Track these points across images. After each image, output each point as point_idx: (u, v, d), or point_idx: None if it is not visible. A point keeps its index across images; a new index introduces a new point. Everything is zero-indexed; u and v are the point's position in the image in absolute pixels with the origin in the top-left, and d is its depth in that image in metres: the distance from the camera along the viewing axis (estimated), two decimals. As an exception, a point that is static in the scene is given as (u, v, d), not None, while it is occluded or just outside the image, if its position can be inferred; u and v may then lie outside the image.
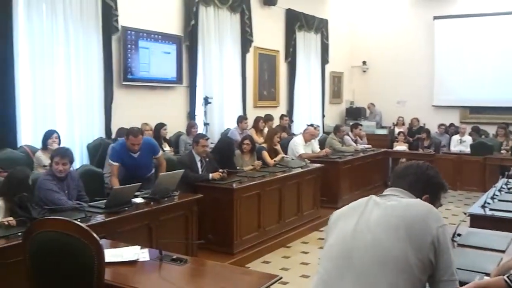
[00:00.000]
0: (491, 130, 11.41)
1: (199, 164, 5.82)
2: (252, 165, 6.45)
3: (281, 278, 2.85)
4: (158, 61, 7.89)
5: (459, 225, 3.40)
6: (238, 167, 6.50)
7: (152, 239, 4.32)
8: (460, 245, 3.17)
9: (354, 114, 13.23)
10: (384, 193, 2.11)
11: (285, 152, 7.92)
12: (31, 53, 6.23)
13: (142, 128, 7.03)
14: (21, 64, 6.10)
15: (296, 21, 11.22)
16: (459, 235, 3.30)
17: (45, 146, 5.67)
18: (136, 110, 7.49)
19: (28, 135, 6.21)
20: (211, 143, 8.30)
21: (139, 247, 3.17)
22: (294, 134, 9.53)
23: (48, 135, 5.74)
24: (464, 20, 12.34)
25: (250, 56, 9.99)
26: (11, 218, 3.63)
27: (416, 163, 2.20)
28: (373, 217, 1.93)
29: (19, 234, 3.36)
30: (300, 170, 6.93)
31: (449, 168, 10.06)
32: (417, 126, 11.83)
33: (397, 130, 11.76)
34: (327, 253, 2.00)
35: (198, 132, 8.14)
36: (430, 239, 1.82)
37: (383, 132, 12.11)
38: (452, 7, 12.47)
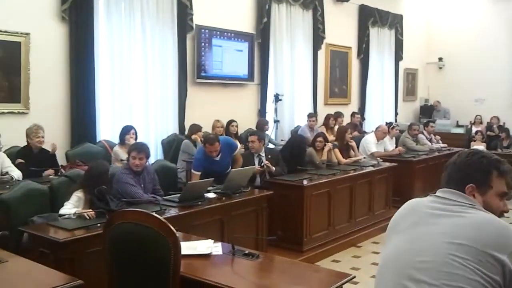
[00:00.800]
0: None
1: (256, 161, 5.76)
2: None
3: (354, 277, 2.81)
4: (230, 58, 8.00)
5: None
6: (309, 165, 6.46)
7: (224, 233, 4.38)
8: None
9: (429, 112, 12.82)
10: (438, 195, 1.90)
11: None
12: (110, 52, 6.51)
13: (214, 125, 7.21)
14: (101, 63, 6.39)
15: (369, 17, 11.02)
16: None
17: (122, 141, 5.90)
18: (209, 107, 7.65)
19: (106, 130, 6.50)
20: (281, 140, 8.38)
21: (212, 240, 3.23)
22: (365, 132, 9.37)
23: (126, 130, 5.96)
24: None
25: (321, 53, 9.92)
26: (90, 210, 3.79)
27: (460, 152, 1.96)
28: (434, 235, 1.76)
29: (98, 225, 3.53)
30: (372, 168, 6.79)
31: (531, 170, 9.51)
32: (496, 125, 11.27)
33: (474, 129, 11.28)
34: (381, 276, 1.89)
35: (269, 128, 8.22)
36: (500, 264, 1.66)
37: (460, 131, 11.65)
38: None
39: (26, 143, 5.33)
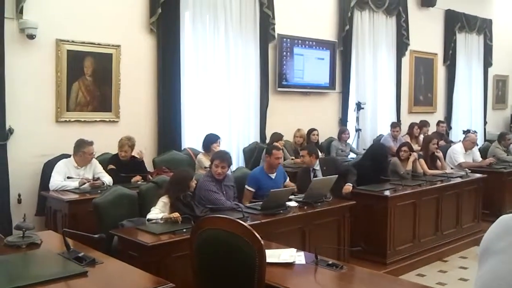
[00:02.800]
0: None
1: (311, 175, 5.51)
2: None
3: (443, 293, 2.69)
4: (311, 67, 7.99)
5: None
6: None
7: (305, 242, 4.36)
8: None
9: (521, 121, 12.11)
10: None
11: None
12: (195, 62, 6.71)
13: (294, 135, 7.23)
14: (186, 73, 6.60)
15: (456, 22, 10.61)
16: None
17: (207, 149, 6.02)
18: (290, 116, 7.67)
19: (191, 138, 6.68)
20: (363, 149, 8.21)
21: (295, 249, 3.21)
22: (452, 142, 8.99)
23: (213, 139, 6.06)
24: None
25: (405, 60, 9.68)
26: (177, 214, 3.90)
27: None
28: None
29: (184, 230, 3.62)
30: (459, 180, 6.50)
31: None
32: None
33: None
34: None
35: (350, 137, 8.10)
36: None
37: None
38: None
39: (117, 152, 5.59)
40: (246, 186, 5.10)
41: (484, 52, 11.48)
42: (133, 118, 6.18)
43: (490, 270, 1.81)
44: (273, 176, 5.24)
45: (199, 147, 6.34)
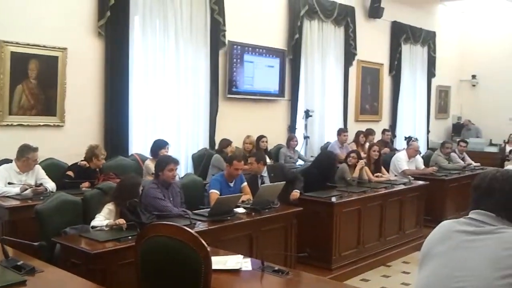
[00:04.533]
0: None
1: (259, 182, 5.55)
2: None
3: (383, 297, 2.77)
4: (261, 74, 8.06)
5: None
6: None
7: (253, 249, 4.38)
8: None
9: (461, 130, 12.60)
10: (472, 217, 1.86)
11: (387, 168, 7.71)
12: (144, 67, 6.65)
13: (243, 141, 7.27)
14: (135, 77, 6.52)
15: (402, 34, 10.97)
16: None
17: (155, 155, 5.95)
18: (239, 122, 7.71)
19: (138, 144, 6.59)
20: (311, 156, 8.34)
21: (242, 256, 3.23)
22: (396, 150, 9.26)
23: (162, 145, 6.00)
24: None
25: (353, 69, 9.91)
26: (123, 221, 3.84)
27: (500, 175, 1.88)
28: (474, 260, 1.74)
29: (129, 237, 3.57)
30: (403, 187, 6.71)
31: None
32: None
33: (508, 148, 11.03)
34: None
35: (298, 144, 8.20)
36: None
37: (493, 150, 11.40)
38: None
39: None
40: (211, 190, 5.04)
41: (428, 63, 11.91)
42: (79, 123, 6.04)
43: (430, 272, 1.89)
44: (231, 184, 5.23)
45: (147, 153, 6.27)
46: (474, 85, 13.13)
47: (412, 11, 11.31)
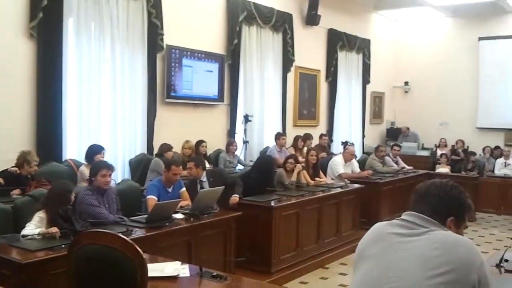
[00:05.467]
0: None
1: (198, 187, 5.54)
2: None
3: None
4: (200, 79, 8.02)
5: (506, 250, 3.31)
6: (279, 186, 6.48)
7: (192, 255, 4.34)
8: (507, 271, 3.10)
9: (395, 134, 13.04)
10: (404, 218, 1.96)
11: (325, 171, 7.87)
12: (79, 70, 6.44)
13: (182, 146, 7.21)
14: (69, 81, 6.30)
15: (338, 41, 11.22)
16: (506, 260, 3.21)
17: (90, 161, 5.77)
18: (178, 127, 7.63)
19: (72, 149, 6.39)
20: (250, 160, 8.38)
21: (180, 262, 3.19)
22: (333, 154, 9.47)
23: (97, 150, 5.82)
24: (511, 41, 12.05)
25: (291, 75, 10.04)
26: (56, 229, 3.71)
27: (439, 182, 2.02)
28: (405, 260, 1.82)
29: (62, 246, 3.45)
30: (339, 190, 6.86)
31: (493, 192, 9.84)
32: (461, 148, 11.56)
33: (439, 152, 11.52)
34: None
35: (238, 149, 8.22)
36: (471, 284, 1.74)
37: (425, 153, 11.88)
38: (499, 28, 12.21)
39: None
40: (149, 196, 4.95)
41: (363, 70, 12.24)
42: (8, 127, 5.76)
43: (363, 274, 1.94)
44: (170, 189, 5.16)
45: (81, 158, 6.08)
46: (406, 92, 13.63)
47: (348, 19, 11.62)
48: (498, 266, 3.16)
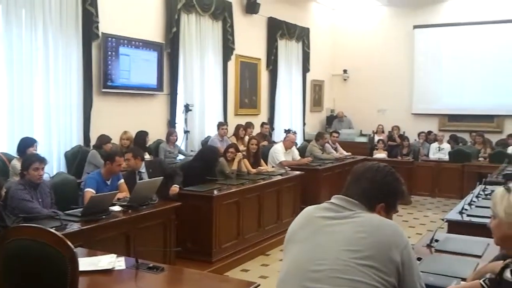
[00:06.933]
0: (469, 137, 11.60)
1: (137, 178, 5.49)
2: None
3: (259, 285, 2.85)
4: (138, 68, 7.86)
5: (437, 231, 3.45)
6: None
7: (130, 247, 4.29)
8: (437, 250, 3.21)
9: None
10: (333, 201, 2.00)
11: (266, 159, 7.95)
12: (9, 59, 6.18)
13: (120, 137, 7.08)
14: (-2, 71, 6.04)
15: (278, 30, 11.28)
16: (436, 240, 3.35)
17: (22, 154, 5.57)
18: (116, 118, 7.46)
19: (3, 142, 6.14)
20: (191, 150, 8.33)
21: (115, 255, 3.14)
22: (274, 142, 9.56)
23: (30, 143, 5.61)
24: (443, 29, 12.52)
25: (231, 64, 10.01)
26: (-16, 226, 3.57)
27: (376, 166, 2.05)
28: (332, 242, 1.86)
29: (-7, 242, 3.32)
30: (280, 177, 6.95)
31: (427, 176, 10.23)
32: (397, 134, 11.95)
33: (376, 138, 11.85)
34: (283, 286, 1.95)
35: (178, 139, 8.14)
36: (395, 265, 1.80)
37: (363, 140, 12.19)
38: (432, 16, 12.64)
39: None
40: (86, 189, 4.82)
41: (302, 59, 12.38)
42: None
43: (292, 257, 1.97)
44: (109, 182, 5.05)
45: (13, 151, 5.84)
46: (345, 79, 13.91)
47: (287, 7, 11.70)
48: (429, 246, 3.28)
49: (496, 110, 11.97)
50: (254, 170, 7.06)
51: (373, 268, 1.77)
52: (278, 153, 8.06)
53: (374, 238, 1.82)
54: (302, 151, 9.03)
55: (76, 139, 6.94)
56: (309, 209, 2.08)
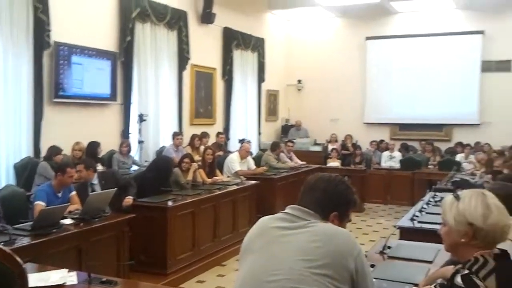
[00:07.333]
0: (419, 146, 11.96)
1: (89, 190, 5.37)
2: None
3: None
4: (91, 77, 7.73)
5: (389, 238, 3.53)
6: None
7: (82, 261, 4.19)
8: (390, 257, 3.28)
9: (289, 131, 13.43)
10: (287, 211, 2.02)
11: (221, 169, 7.94)
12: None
13: (72, 148, 6.94)
14: None
15: (233, 40, 11.33)
16: (389, 247, 3.43)
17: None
18: (68, 128, 7.31)
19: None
20: (145, 161, 8.23)
21: (66, 270, 3.07)
22: (230, 152, 9.57)
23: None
24: (394, 40, 12.90)
25: (187, 74, 9.98)
26: None
27: (328, 176, 2.10)
28: (287, 252, 1.88)
29: None
30: (235, 187, 6.96)
31: (379, 183, 10.47)
32: (350, 143, 12.17)
33: (330, 147, 12.03)
34: None
35: (132, 149, 8.05)
36: (349, 273, 1.84)
37: (317, 149, 12.35)
38: (383, 28, 12.99)
39: None
40: (36, 202, 4.68)
41: (258, 69, 12.47)
42: None
43: (248, 268, 1.98)
44: (60, 194, 4.92)
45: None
46: (299, 89, 14.08)
47: (243, 18, 11.78)
48: (381, 253, 3.35)
49: (445, 119, 12.39)
50: (209, 180, 7.04)
51: (327, 277, 1.80)
52: (234, 162, 8.07)
53: (328, 247, 1.86)
54: (258, 160, 9.07)
55: (26, 150, 6.74)
56: (264, 219, 2.10)
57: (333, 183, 2.06)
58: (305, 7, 12.59)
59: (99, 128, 7.86)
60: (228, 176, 7.78)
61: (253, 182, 7.49)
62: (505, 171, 5.23)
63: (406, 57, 12.75)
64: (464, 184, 6.51)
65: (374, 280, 2.03)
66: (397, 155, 11.13)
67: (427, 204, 5.15)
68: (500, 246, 1.91)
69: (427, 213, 4.74)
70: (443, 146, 11.88)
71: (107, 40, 8.14)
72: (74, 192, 5.10)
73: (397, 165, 10.82)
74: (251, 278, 1.93)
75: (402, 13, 12.82)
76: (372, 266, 2.87)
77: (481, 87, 11.95)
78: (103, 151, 7.61)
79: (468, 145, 11.01)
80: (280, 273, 1.85)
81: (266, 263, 1.91)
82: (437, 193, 5.78)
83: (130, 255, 4.85)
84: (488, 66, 11.96)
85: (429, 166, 10.54)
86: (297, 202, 2.06)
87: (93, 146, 7.29)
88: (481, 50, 11.93)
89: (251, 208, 7.23)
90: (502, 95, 11.74)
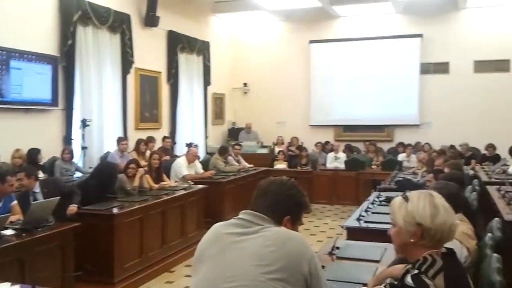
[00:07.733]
0: (363, 147, 12.27)
1: (31, 199, 5.16)
2: None
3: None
4: (31, 82, 7.48)
5: (337, 238, 3.58)
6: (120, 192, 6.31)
7: (25, 273, 4.05)
8: (338, 257, 3.33)
9: (236, 134, 13.45)
10: (241, 217, 2.04)
11: (168, 174, 7.86)
12: None
13: (12, 156, 6.69)
14: None
15: (178, 43, 11.25)
16: (337, 248, 3.47)
17: None
18: (7, 135, 7.05)
19: None
20: (89, 167, 8.03)
21: (9, 283, 2.96)
22: (177, 156, 9.48)
23: None
24: (336, 44, 13.15)
25: (131, 77, 9.82)
26: None
27: (280, 180, 2.13)
28: (241, 259, 1.88)
29: None
30: (183, 192, 6.90)
31: (325, 184, 10.67)
32: (296, 145, 12.32)
33: (277, 149, 12.13)
34: None
35: (74, 156, 7.83)
36: (303, 276, 1.86)
37: (265, 151, 12.43)
38: (327, 32, 13.23)
39: None
40: None
41: (203, 72, 12.41)
42: None
43: (202, 276, 1.97)
44: (0, 204, 4.73)
45: None
46: (245, 92, 14.13)
47: (188, 21, 11.71)
48: (330, 254, 3.38)
49: (386, 120, 12.75)
50: (156, 186, 6.96)
51: (282, 281, 1.82)
52: (181, 167, 8.01)
53: (282, 251, 1.87)
54: (205, 164, 9.04)
55: (-39, 159, 6.45)
56: (217, 226, 2.09)
57: (285, 187, 2.09)
58: (249, 11, 12.66)
59: (40, 134, 7.61)
60: (175, 181, 7.71)
61: (201, 186, 7.45)
62: (446, 170, 5.43)
63: (348, 60, 13.04)
64: (407, 183, 6.74)
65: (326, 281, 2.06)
66: (342, 156, 11.37)
67: (372, 204, 5.27)
68: (447, 245, 1.99)
69: (373, 212, 4.85)
70: (386, 147, 12.28)
71: (48, 44, 7.89)
72: (15, 202, 4.91)
73: (342, 165, 11.04)
74: (207, 286, 1.92)
75: (344, 17, 13.11)
76: (322, 267, 2.91)
77: (421, 88, 12.40)
78: (44, 158, 7.38)
79: (409, 145, 11.38)
80: (235, 279, 1.85)
81: (221, 270, 1.90)
82: (382, 193, 5.93)
83: (76, 264, 4.72)
84: (427, 68, 12.43)
85: (373, 166, 10.84)
86: (250, 206, 2.07)
87: (34, 153, 7.05)
88: (420, 52, 12.36)
89: (199, 212, 7.18)
90: (440, 96, 12.23)
